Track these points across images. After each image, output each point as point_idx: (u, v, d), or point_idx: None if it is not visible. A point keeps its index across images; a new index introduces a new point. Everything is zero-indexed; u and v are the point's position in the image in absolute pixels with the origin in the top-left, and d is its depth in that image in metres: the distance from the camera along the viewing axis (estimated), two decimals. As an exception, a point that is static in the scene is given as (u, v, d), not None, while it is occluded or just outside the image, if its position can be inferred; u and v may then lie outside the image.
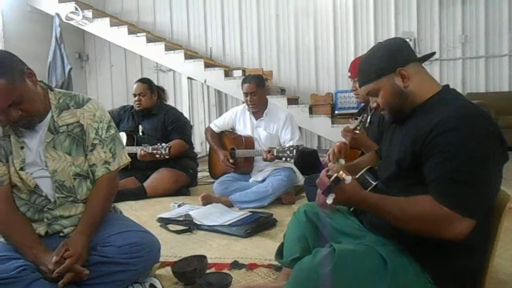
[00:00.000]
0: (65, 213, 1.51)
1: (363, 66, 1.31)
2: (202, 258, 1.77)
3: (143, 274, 1.54)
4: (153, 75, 6.38)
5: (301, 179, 3.11)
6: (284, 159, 2.72)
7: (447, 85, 1.25)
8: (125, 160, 1.64)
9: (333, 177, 1.12)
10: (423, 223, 1.09)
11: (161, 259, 1.99)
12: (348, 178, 1.12)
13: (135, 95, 3.43)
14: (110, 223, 1.56)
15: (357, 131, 2.06)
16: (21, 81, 1.36)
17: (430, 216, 1.07)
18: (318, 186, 1.22)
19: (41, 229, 1.48)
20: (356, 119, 2.21)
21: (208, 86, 5.94)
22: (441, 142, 1.09)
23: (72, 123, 1.53)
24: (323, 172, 1.23)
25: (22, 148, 1.47)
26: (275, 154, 2.73)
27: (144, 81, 3.51)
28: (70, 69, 5.39)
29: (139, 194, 3.22)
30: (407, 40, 1.43)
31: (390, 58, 1.24)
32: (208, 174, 3.67)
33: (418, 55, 1.28)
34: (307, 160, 3.47)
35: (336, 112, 5.25)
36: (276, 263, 1.74)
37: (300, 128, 5.75)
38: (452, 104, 1.16)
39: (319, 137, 5.75)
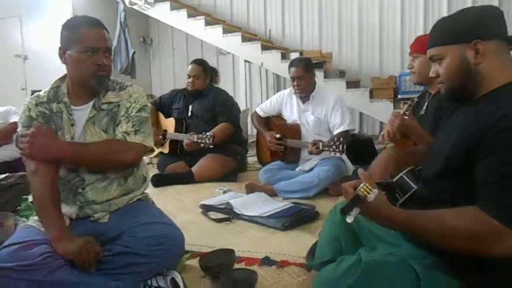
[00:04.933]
0: (98, 198, 1.54)
1: (438, 26, 1.14)
2: (230, 252, 1.71)
3: (166, 267, 1.52)
4: (213, 58, 6.39)
5: (350, 169, 2.93)
6: (330, 153, 2.55)
7: None
8: (148, 144, 1.60)
9: (353, 195, 0.99)
10: (467, 240, 0.94)
11: (195, 249, 1.98)
12: (371, 197, 0.98)
13: (189, 76, 3.46)
14: (138, 212, 1.57)
15: (406, 116, 1.87)
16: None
17: (476, 232, 0.93)
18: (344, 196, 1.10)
19: (72, 212, 1.52)
20: (406, 103, 2.01)
21: (266, 69, 5.83)
22: (501, 141, 0.92)
23: (113, 102, 1.59)
24: (349, 183, 1.09)
25: (72, 125, 1.55)
26: (320, 148, 2.58)
27: (200, 62, 3.52)
28: (134, 53, 5.55)
29: (188, 178, 3.26)
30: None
31: (471, 26, 1.06)
32: (258, 160, 3.62)
33: None
34: (361, 149, 3.25)
35: (399, 96, 4.87)
36: (309, 262, 1.64)
37: (360, 113, 5.50)
38: None
39: (381, 123, 5.42)
